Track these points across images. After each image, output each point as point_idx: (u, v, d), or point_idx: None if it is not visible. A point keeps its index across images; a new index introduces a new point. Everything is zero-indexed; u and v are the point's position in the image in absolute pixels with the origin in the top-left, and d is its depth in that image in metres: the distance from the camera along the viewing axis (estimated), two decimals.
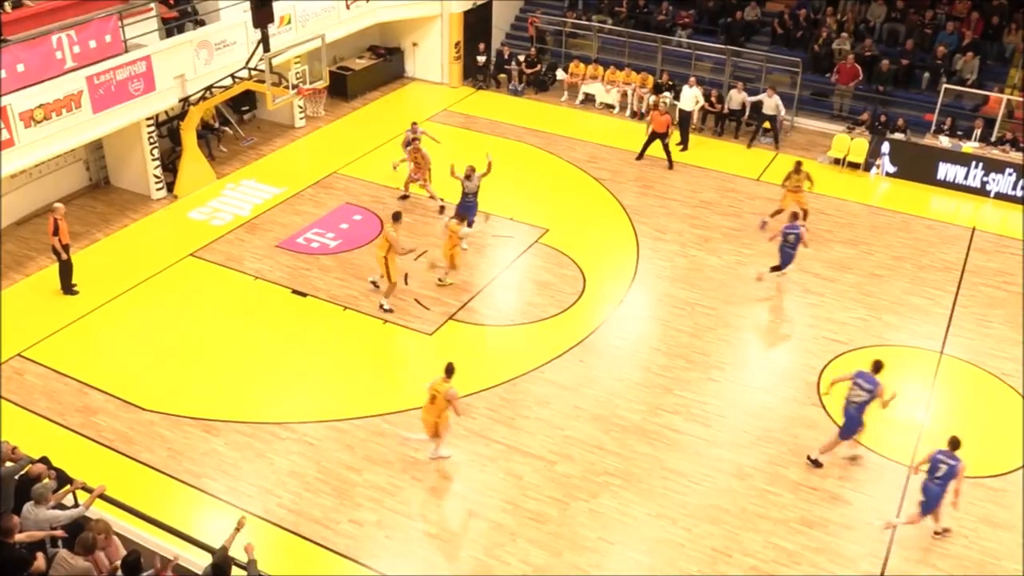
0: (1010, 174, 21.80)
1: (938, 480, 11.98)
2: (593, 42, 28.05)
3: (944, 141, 23.02)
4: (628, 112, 26.09)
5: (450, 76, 27.67)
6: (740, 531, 12.47)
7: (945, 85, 23.71)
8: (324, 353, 15.76)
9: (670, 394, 14.99)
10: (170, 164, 20.90)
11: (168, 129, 21.06)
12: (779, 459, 13.75)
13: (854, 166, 23.10)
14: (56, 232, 16.31)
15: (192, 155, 20.82)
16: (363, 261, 18.16)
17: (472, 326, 16.41)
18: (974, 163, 22.12)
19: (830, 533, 12.53)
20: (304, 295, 17.16)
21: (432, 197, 20.25)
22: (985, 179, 22.03)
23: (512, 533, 12.35)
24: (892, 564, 12.12)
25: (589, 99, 26.74)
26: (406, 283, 16.95)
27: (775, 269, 17.68)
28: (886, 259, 19.10)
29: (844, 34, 26.12)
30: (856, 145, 23.16)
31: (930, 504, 12.15)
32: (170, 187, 20.62)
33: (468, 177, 18.15)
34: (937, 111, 23.65)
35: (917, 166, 22.61)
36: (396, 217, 16.56)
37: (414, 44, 27.82)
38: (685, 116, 23.84)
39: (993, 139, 23.13)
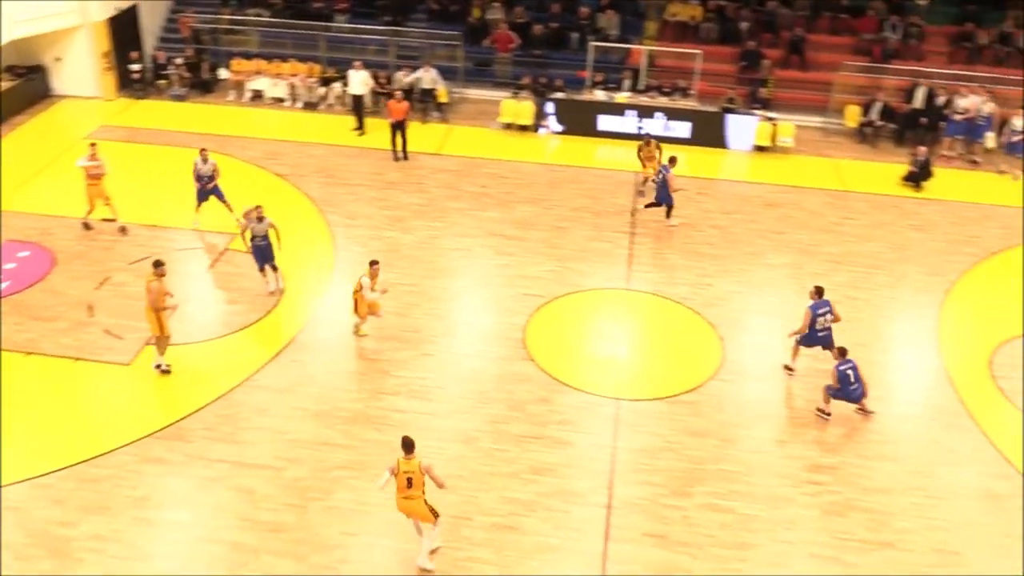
0: (659, 118, 23.83)
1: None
2: (253, 36, 27.36)
3: (599, 95, 24.73)
4: (301, 104, 25.76)
5: (103, 89, 25.95)
6: (476, 493, 12.88)
7: (592, 43, 25.41)
8: (12, 406, 14.37)
9: (388, 376, 15.13)
10: None
11: None
12: (500, 417, 14.32)
13: (524, 128, 24.27)
14: None
15: None
16: (37, 300, 16.72)
17: (173, 347, 15.62)
18: (627, 111, 23.96)
19: (559, 475, 13.25)
20: None
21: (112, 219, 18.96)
22: (639, 125, 23.91)
23: (253, 550, 11.99)
24: (616, 492, 13.03)
25: (258, 95, 26.12)
26: (91, 315, 15.80)
27: (650, 205, 19.63)
28: (566, 212, 20.31)
29: (496, 3, 27.23)
30: (522, 109, 24.32)
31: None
32: None
33: (259, 219, 16.63)
34: (590, 67, 25.31)
35: (580, 121, 24.17)
36: (156, 265, 14.81)
37: (57, 59, 25.78)
38: (357, 100, 23.90)
39: (641, 88, 25.14)
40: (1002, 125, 23.90)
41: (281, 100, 25.89)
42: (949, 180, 22.57)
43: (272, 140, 23.49)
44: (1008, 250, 19.86)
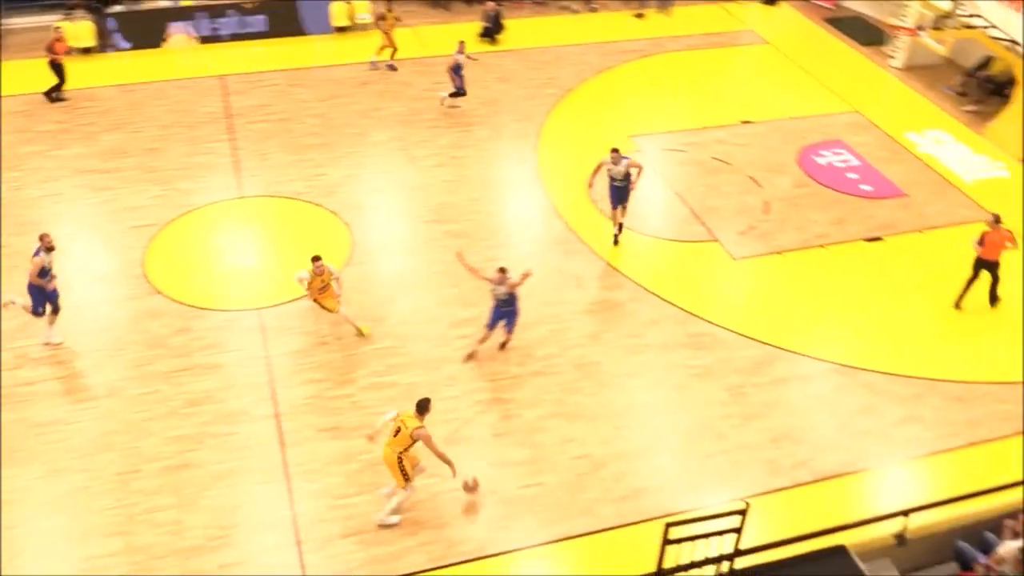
0: (232, 16, 22.83)
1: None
2: None
3: (164, 1, 23.13)
4: None
5: None
6: (136, 442, 12.26)
7: None
8: None
9: (6, 351, 13.72)
10: None
11: None
12: (141, 359, 13.59)
13: (88, 51, 22.22)
14: None
15: None
16: None
17: None
18: (197, 14, 22.68)
19: (218, 400, 12.94)
20: None
21: None
22: (214, 26, 22.78)
23: None
24: (281, 398, 12.99)
25: None
26: None
27: (455, 95, 19.78)
28: (156, 131, 19.12)
29: None
30: (81, 29, 22.19)
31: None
32: None
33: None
34: None
35: (149, 33, 22.53)
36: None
37: None
38: None
39: None
40: None
41: None
42: (521, 29, 23.93)
43: None
44: (581, 84, 21.66)
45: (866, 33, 25.11)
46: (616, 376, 13.68)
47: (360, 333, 14.15)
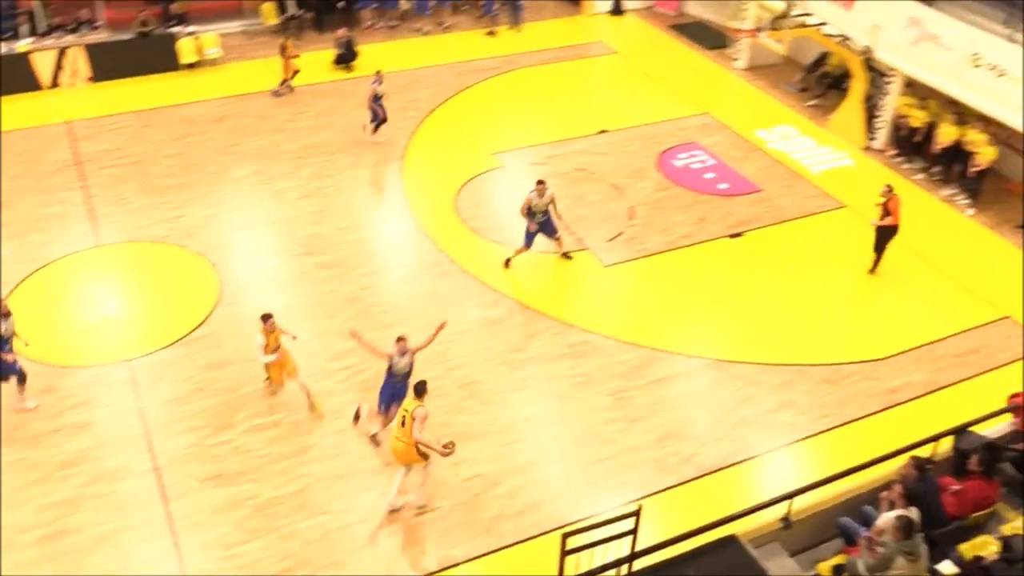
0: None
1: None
2: None
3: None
4: None
5: None
6: (8, 513, 11.57)
7: None
8: None
9: None
10: None
11: None
12: (7, 425, 12.88)
13: None
14: None
15: None
16: None
17: None
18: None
19: (93, 459, 12.35)
20: None
21: None
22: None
23: None
24: (159, 450, 12.55)
25: None
26: None
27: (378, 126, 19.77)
28: (3, 185, 18.21)
29: None
30: None
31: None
32: None
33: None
34: None
35: None
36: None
37: None
38: None
39: (44, 30, 22.94)
40: None
41: None
42: (375, 54, 23.85)
43: None
44: (441, 105, 21.79)
45: (709, 37, 26.07)
46: (500, 392, 13.77)
47: (313, 408, 13.20)
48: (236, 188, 18.39)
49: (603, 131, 20.79)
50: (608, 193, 18.69)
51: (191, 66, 23.07)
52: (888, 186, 16.08)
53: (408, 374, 12.37)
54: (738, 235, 17.59)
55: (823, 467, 11.97)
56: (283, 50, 21.79)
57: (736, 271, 16.64)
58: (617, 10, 27.65)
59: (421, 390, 11.26)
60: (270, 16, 25.05)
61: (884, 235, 16.21)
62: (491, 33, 25.84)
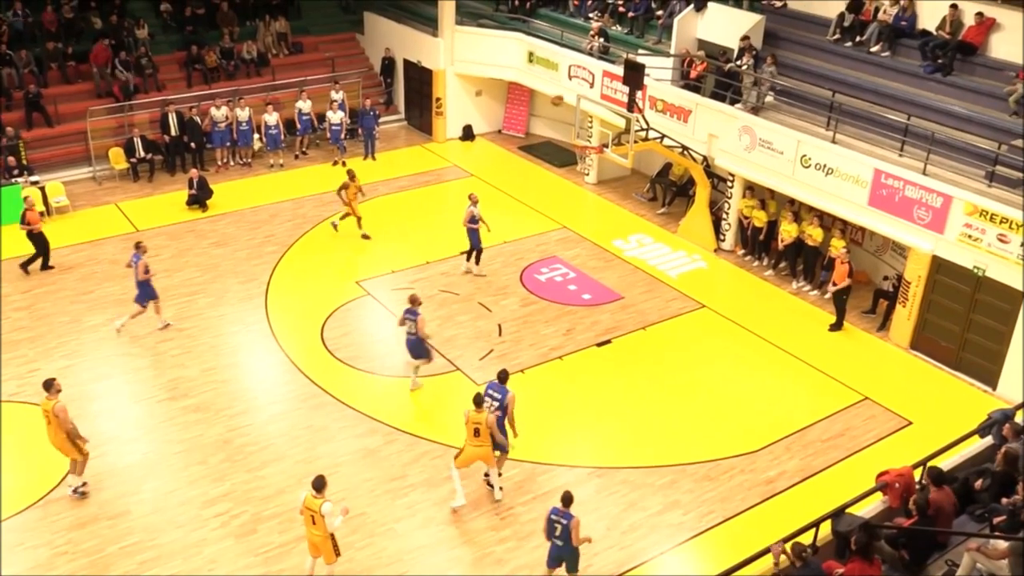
0: None
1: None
2: None
3: None
4: None
5: None
6: None
7: None
8: None
9: None
10: None
11: None
12: None
13: None
14: None
15: None
16: None
17: None
18: None
19: None
20: None
21: None
22: None
23: None
24: None
25: None
26: None
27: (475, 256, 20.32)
28: None
29: None
30: None
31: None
32: None
33: None
34: None
35: None
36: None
37: None
38: None
39: None
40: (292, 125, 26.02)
41: None
42: (230, 192, 23.74)
43: None
44: (302, 237, 21.71)
45: (558, 155, 27.10)
46: (385, 523, 13.41)
47: None
48: (92, 337, 17.67)
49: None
50: (476, 311, 18.87)
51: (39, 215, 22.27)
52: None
53: None
54: (606, 343, 17.96)
55: (712, 565, 12.06)
56: (343, 188, 21.62)
57: (608, 378, 16.93)
58: (468, 135, 28.49)
59: (479, 402, 13.29)
60: (118, 161, 24.63)
61: (841, 295, 18.53)
62: (340, 163, 25.95)
